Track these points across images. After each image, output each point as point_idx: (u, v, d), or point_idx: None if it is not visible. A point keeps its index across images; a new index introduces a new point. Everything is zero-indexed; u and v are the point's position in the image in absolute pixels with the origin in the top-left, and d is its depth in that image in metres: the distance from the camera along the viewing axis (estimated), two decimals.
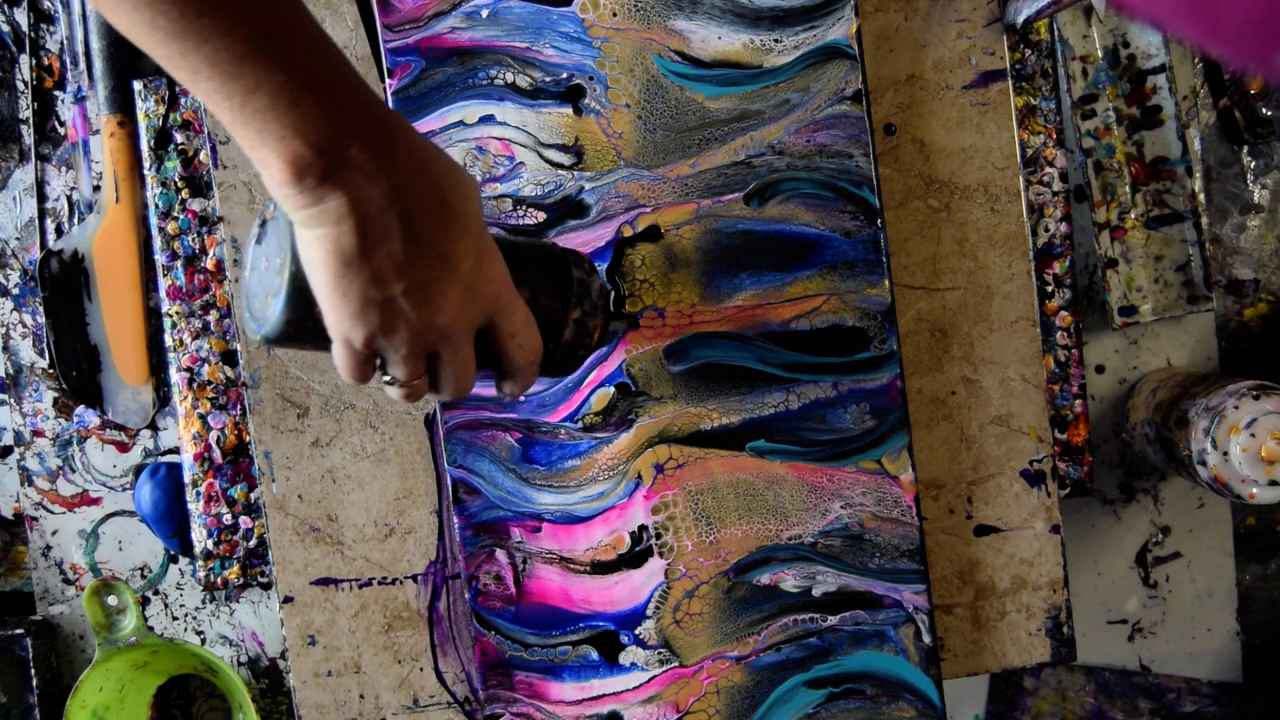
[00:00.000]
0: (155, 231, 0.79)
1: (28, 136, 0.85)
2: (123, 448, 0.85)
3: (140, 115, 0.79)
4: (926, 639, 0.69)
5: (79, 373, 0.83)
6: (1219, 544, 0.85)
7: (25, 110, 0.85)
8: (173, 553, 0.85)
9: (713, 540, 0.69)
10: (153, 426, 0.85)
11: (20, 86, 0.85)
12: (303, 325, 0.50)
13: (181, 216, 0.78)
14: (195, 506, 0.80)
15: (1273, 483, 0.70)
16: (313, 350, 0.53)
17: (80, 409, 0.85)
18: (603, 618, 0.69)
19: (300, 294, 0.49)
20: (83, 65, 0.84)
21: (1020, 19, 0.56)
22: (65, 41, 0.84)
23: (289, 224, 0.50)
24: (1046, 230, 0.78)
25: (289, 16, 0.45)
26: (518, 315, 0.53)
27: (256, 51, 0.43)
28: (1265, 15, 0.21)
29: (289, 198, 0.46)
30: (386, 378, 0.52)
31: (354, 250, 0.46)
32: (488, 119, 0.68)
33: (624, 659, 0.69)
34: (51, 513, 0.85)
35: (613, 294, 0.66)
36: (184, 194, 0.78)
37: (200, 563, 0.80)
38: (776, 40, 0.67)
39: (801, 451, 0.68)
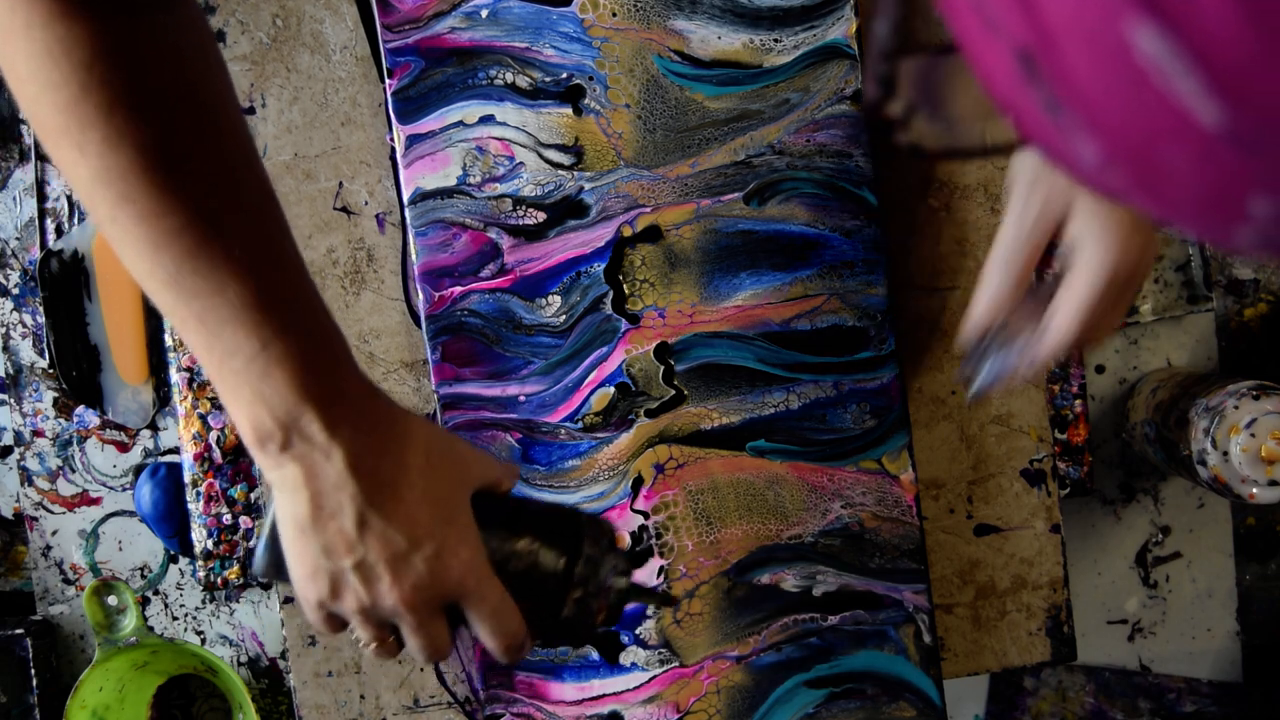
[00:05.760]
0: None
1: (28, 136, 0.85)
2: (123, 448, 0.85)
3: None
4: (927, 638, 0.69)
5: (79, 373, 0.83)
6: (1219, 544, 0.85)
7: None
8: (173, 553, 0.85)
9: (713, 540, 0.69)
10: (153, 426, 0.85)
11: None
12: (281, 570, 0.52)
13: None
14: (195, 506, 0.80)
15: (1273, 483, 0.70)
16: None
17: (80, 409, 0.85)
18: None
19: (276, 543, 0.51)
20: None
21: (973, 392, 0.58)
22: None
23: None
24: None
25: (282, 285, 0.46)
26: (488, 602, 0.51)
27: (237, 319, 0.45)
28: (1216, 194, 0.21)
29: (256, 458, 0.48)
30: (354, 635, 0.52)
31: (307, 520, 0.48)
32: (488, 119, 0.68)
33: (624, 659, 0.69)
34: (51, 513, 0.85)
35: (633, 573, 0.59)
36: None
37: (200, 563, 0.80)
38: (776, 40, 0.67)
39: (801, 451, 0.68)
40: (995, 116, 0.28)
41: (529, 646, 0.54)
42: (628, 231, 0.68)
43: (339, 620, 0.51)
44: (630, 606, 0.68)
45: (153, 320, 0.84)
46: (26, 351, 0.85)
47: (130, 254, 0.45)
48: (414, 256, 0.68)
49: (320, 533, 0.48)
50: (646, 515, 0.69)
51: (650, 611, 0.69)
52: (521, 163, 0.68)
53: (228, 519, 0.80)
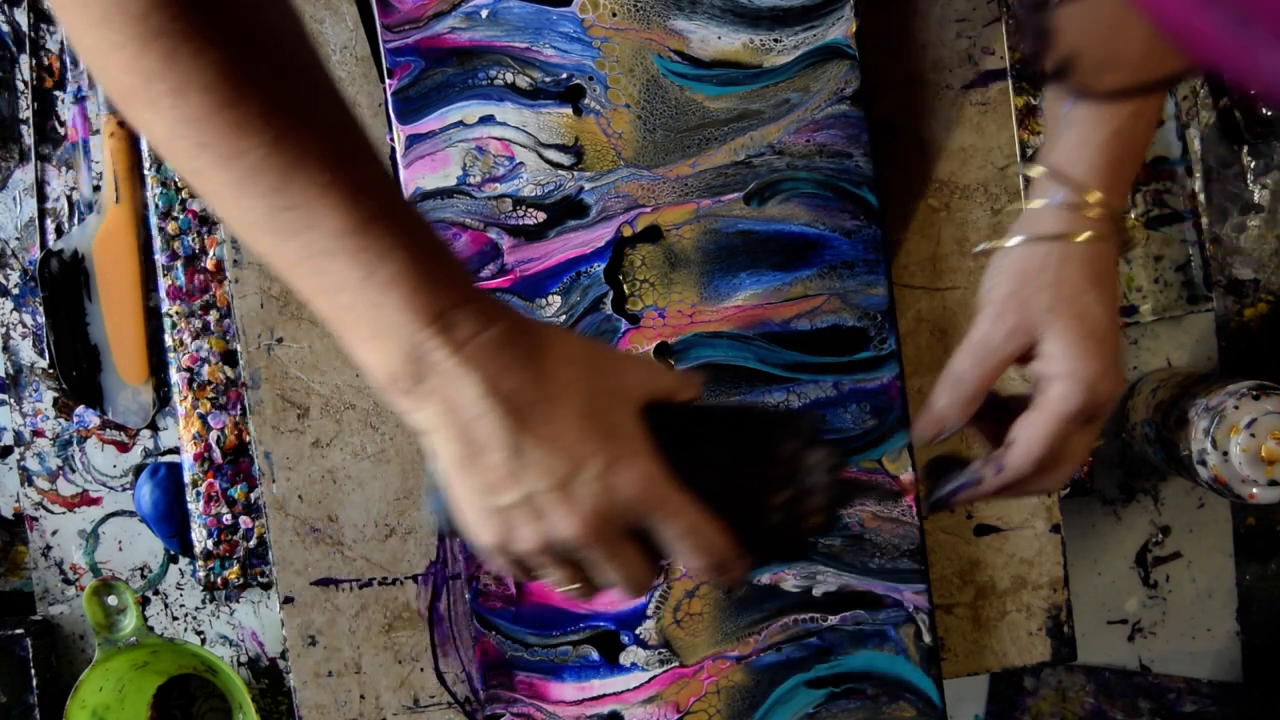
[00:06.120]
0: (155, 231, 0.79)
1: (28, 136, 0.85)
2: (123, 448, 0.85)
3: None
4: (927, 639, 0.69)
5: (79, 373, 0.83)
6: (1219, 544, 0.85)
7: (25, 110, 0.85)
8: (173, 553, 0.85)
9: None
10: (153, 426, 0.85)
11: (20, 86, 0.85)
12: (455, 523, 0.48)
13: (181, 216, 0.78)
14: (195, 506, 0.80)
15: (1273, 483, 0.70)
16: None
17: (80, 409, 0.85)
18: (603, 618, 0.69)
19: (443, 495, 0.47)
20: (83, 65, 0.84)
21: (930, 505, 0.58)
22: (65, 41, 0.84)
23: None
24: None
25: (376, 207, 0.43)
26: (679, 518, 0.46)
27: (337, 248, 0.42)
28: None
29: (394, 404, 0.44)
30: (549, 580, 0.48)
31: (458, 459, 0.44)
32: (487, 119, 0.68)
33: (624, 659, 0.69)
34: (51, 513, 0.85)
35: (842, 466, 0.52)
36: (184, 194, 0.78)
37: (200, 563, 0.80)
38: (776, 40, 0.67)
39: None
40: (1164, 49, 0.27)
41: (739, 566, 0.48)
42: (628, 231, 0.68)
43: (524, 565, 0.47)
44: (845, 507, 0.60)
45: (153, 320, 0.84)
46: (26, 351, 0.85)
47: (219, 204, 0.43)
48: None
49: (475, 472, 0.44)
50: None
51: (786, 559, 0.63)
52: (521, 163, 0.68)
53: (228, 519, 0.80)
